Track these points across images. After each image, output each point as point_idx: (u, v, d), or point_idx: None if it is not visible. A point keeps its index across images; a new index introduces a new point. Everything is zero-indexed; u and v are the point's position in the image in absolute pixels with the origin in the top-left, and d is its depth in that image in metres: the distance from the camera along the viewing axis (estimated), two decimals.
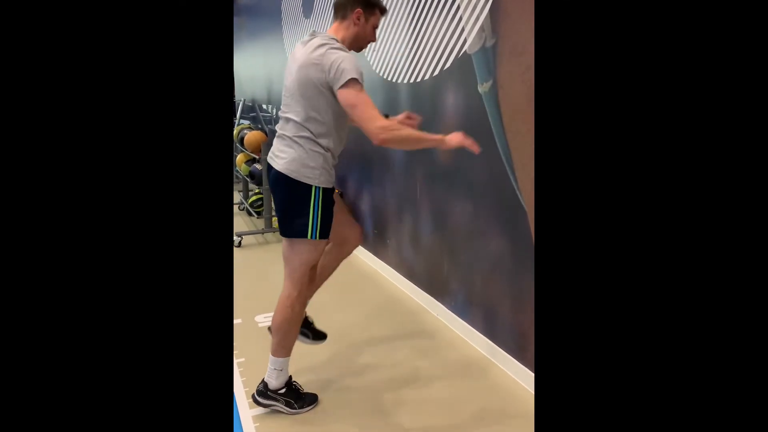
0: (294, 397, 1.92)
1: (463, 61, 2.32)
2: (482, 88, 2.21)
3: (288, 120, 1.73)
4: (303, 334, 2.08)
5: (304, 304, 1.91)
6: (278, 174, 1.74)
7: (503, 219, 2.18)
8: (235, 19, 7.20)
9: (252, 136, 4.47)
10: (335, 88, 1.61)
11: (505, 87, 2.07)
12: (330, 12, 3.66)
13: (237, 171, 4.97)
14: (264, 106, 5.87)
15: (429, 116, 2.67)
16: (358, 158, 3.60)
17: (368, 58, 3.27)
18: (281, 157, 1.74)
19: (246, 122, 5.67)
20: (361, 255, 3.72)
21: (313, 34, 1.73)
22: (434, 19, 2.52)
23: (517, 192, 2.07)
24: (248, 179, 4.49)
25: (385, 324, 2.66)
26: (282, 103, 1.79)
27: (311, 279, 1.95)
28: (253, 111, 5.87)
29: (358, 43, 1.79)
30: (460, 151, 2.43)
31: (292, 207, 1.75)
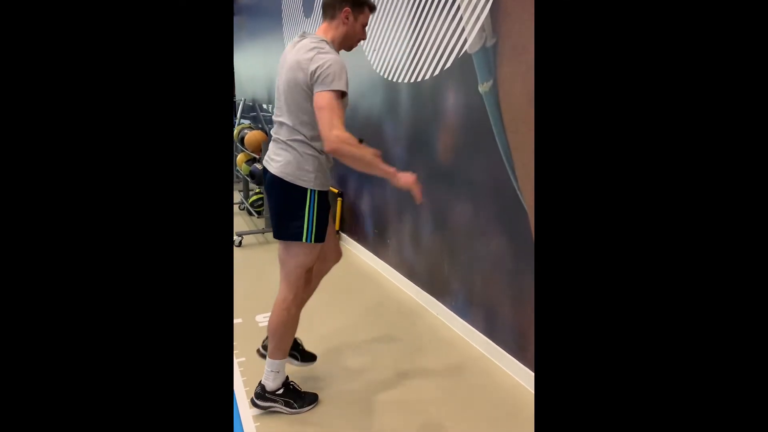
0: (293, 396, 1.92)
1: (464, 61, 2.32)
2: (483, 87, 2.21)
3: (281, 124, 1.73)
4: (292, 356, 2.04)
5: (300, 307, 1.91)
6: (273, 177, 1.74)
7: (503, 219, 2.18)
8: (235, 19, 7.20)
9: (252, 135, 4.47)
10: (315, 88, 1.60)
11: (505, 87, 2.07)
12: None
13: (237, 170, 4.97)
14: (264, 106, 5.87)
15: (429, 116, 2.67)
16: None
17: (369, 58, 3.27)
18: (276, 161, 1.74)
19: (246, 122, 5.68)
20: (362, 255, 3.72)
21: (303, 35, 1.72)
22: (435, 19, 2.52)
23: (518, 192, 2.07)
24: (248, 179, 4.49)
25: (386, 324, 2.66)
26: (275, 106, 1.79)
27: (307, 282, 1.95)
28: (253, 110, 5.87)
29: (348, 42, 1.78)
30: (461, 150, 2.44)
31: (287, 210, 1.75)
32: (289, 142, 1.70)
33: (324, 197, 1.79)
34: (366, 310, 2.84)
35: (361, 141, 1.64)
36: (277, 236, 1.79)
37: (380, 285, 3.21)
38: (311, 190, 1.73)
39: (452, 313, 2.61)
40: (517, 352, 2.16)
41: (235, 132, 4.89)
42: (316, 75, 1.59)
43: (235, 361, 2.27)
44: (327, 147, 1.57)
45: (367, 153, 1.61)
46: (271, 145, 1.80)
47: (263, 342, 2.09)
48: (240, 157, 4.69)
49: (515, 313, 2.15)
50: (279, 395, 1.90)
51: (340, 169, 3.92)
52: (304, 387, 1.99)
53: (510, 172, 2.10)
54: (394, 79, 2.99)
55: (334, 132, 1.55)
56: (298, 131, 1.69)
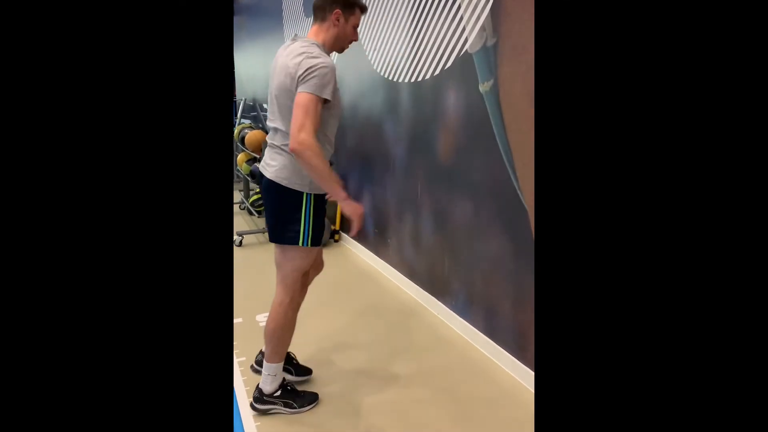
0: (291, 397, 1.92)
1: (464, 61, 2.32)
2: (483, 87, 2.21)
3: (276, 130, 1.73)
4: (286, 371, 2.05)
5: (296, 310, 1.91)
6: (269, 182, 1.74)
7: (504, 218, 2.18)
8: (235, 19, 7.20)
9: (253, 135, 4.47)
10: (298, 88, 1.59)
11: (506, 86, 2.07)
12: None
13: (238, 170, 4.97)
14: (264, 106, 5.87)
15: (430, 115, 2.67)
16: (359, 158, 3.60)
17: (369, 57, 3.27)
18: (272, 165, 1.74)
19: (247, 121, 5.68)
20: (362, 254, 3.72)
21: (295, 38, 1.72)
22: (435, 19, 2.52)
23: (518, 191, 2.07)
24: (249, 178, 4.49)
25: (386, 323, 2.67)
26: (268, 110, 1.79)
27: (303, 285, 1.95)
28: (253, 110, 5.88)
29: (339, 44, 1.77)
30: (461, 150, 2.44)
31: (283, 214, 1.75)
32: (283, 147, 1.70)
33: (320, 201, 1.79)
34: (366, 309, 2.84)
35: (330, 164, 1.62)
36: (273, 240, 1.80)
37: (380, 284, 3.21)
38: (307, 194, 1.73)
39: (452, 312, 2.61)
40: (517, 352, 2.16)
41: (236, 132, 4.89)
42: (302, 78, 1.59)
43: (235, 360, 2.27)
44: (290, 146, 1.57)
45: (326, 168, 1.61)
46: (266, 150, 1.80)
47: (256, 357, 2.15)
48: (240, 157, 4.69)
49: (515, 313, 2.15)
50: (277, 397, 1.90)
51: (340, 170, 3.92)
52: (305, 387, 1.99)
53: (510, 172, 2.10)
54: (395, 79, 2.99)
55: (302, 134, 1.54)
56: None
